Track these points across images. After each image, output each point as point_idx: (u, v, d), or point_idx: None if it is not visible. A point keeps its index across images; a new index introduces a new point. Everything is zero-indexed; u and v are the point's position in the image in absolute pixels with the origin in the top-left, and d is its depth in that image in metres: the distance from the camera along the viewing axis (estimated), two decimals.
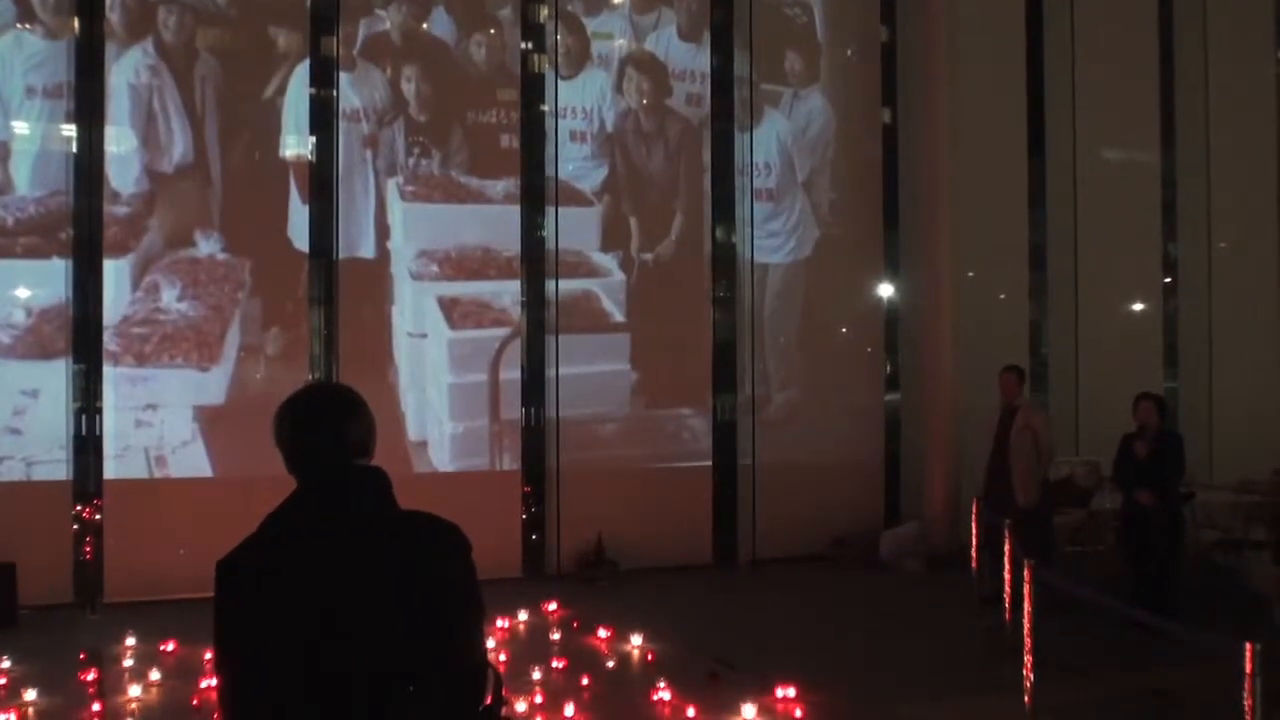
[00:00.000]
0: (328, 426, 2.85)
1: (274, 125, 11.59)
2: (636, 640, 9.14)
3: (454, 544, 2.82)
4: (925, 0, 13.41)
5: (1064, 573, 9.59)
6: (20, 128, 10.94)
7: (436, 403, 11.99)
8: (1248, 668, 5.26)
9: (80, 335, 10.95)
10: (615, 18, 12.83)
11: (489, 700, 2.81)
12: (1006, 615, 9.25)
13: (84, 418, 10.97)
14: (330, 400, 3.00)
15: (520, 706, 7.58)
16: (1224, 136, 14.75)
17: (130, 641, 8.96)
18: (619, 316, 12.56)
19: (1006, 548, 9.32)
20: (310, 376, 11.50)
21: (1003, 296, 13.95)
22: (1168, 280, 14.94)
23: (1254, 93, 15.12)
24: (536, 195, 12.33)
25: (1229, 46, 14.81)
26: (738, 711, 7.29)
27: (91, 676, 8.20)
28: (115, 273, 11.01)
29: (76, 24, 11.08)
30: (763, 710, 7.38)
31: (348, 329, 11.67)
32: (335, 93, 11.69)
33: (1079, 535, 11.37)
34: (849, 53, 13.76)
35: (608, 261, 12.55)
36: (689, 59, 12.97)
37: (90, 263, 10.97)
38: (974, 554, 10.88)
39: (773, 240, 13.23)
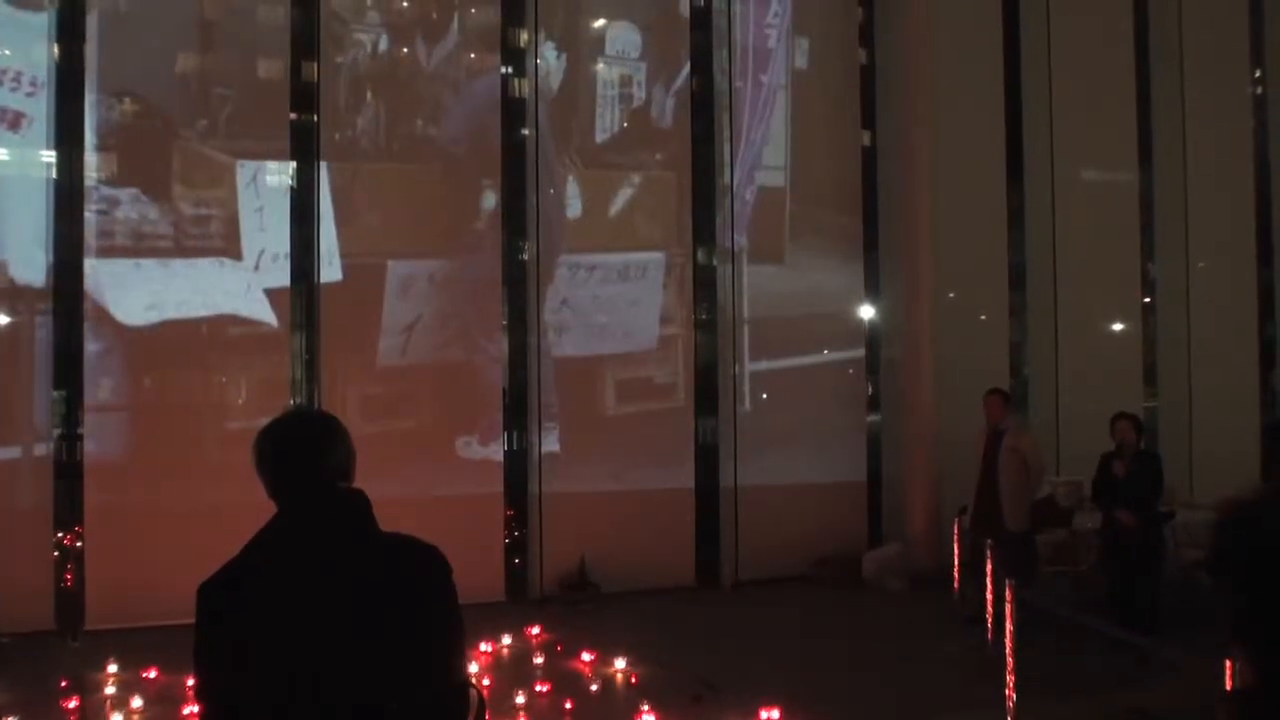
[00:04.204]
0: (307, 452, 2.87)
1: (256, 151, 11.59)
2: (620, 663, 9.13)
3: (434, 566, 2.83)
4: (904, 23, 13.50)
5: (1046, 592, 9.61)
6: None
7: (419, 426, 11.98)
8: (1228, 685, 5.29)
9: (61, 362, 10.94)
10: (595, 42, 12.87)
11: None
12: (989, 635, 9.29)
13: (65, 444, 10.96)
14: (309, 425, 3.02)
15: None
16: (1201, 157, 14.82)
17: (112, 669, 8.93)
18: (602, 339, 12.58)
19: (989, 567, 9.38)
20: (292, 401, 11.49)
21: (983, 317, 13.99)
22: (1146, 300, 15.00)
23: (1230, 113, 15.21)
24: (519, 219, 12.35)
25: (1205, 67, 14.89)
26: None
27: (73, 704, 8.16)
28: (97, 300, 10.99)
29: (56, 50, 11.09)
30: None
31: (330, 354, 11.67)
32: (316, 118, 11.71)
33: (1061, 554, 11.40)
34: (828, 76, 13.81)
35: (591, 285, 12.57)
36: (670, 82, 13.01)
37: (71, 290, 10.95)
38: (957, 573, 10.90)
39: (754, 263, 13.25)
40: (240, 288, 11.40)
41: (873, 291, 13.80)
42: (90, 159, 11.07)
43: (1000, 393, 10.89)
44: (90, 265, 10.99)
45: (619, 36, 12.89)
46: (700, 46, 13.17)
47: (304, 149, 11.70)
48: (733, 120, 13.17)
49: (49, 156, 11.04)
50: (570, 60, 12.74)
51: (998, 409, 10.65)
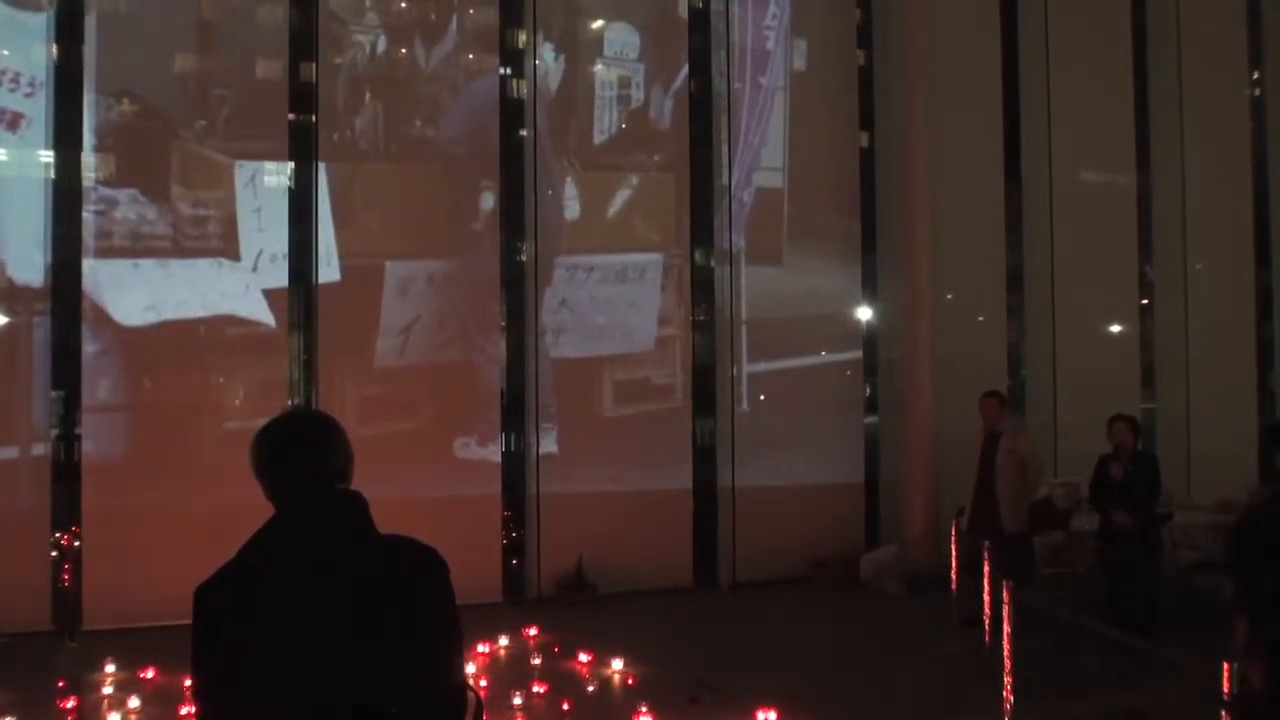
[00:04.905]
0: (305, 453, 2.86)
1: (254, 151, 11.59)
2: (617, 664, 9.13)
3: (432, 567, 2.84)
4: (902, 24, 13.50)
5: (1044, 594, 9.61)
6: None
7: (417, 427, 11.98)
8: (1225, 687, 5.29)
9: (59, 362, 10.94)
10: (594, 43, 12.88)
11: None
12: (986, 636, 9.29)
13: (63, 445, 10.96)
14: (307, 427, 3.02)
15: None
16: (1199, 158, 14.85)
17: (110, 669, 8.93)
18: (600, 340, 12.57)
19: (986, 569, 9.38)
20: (290, 402, 11.49)
21: (981, 319, 14.01)
22: (1144, 302, 15.02)
23: (1229, 115, 15.24)
24: (517, 220, 12.35)
25: (1204, 69, 14.92)
26: None
27: (71, 704, 8.15)
28: (95, 301, 10.99)
29: (54, 51, 11.09)
30: None
31: (327, 355, 11.67)
32: (315, 118, 11.71)
33: (1058, 556, 11.41)
34: (827, 77, 13.81)
35: (589, 286, 12.57)
36: (668, 84, 13.01)
37: (69, 291, 10.95)
38: (954, 575, 10.91)
39: (752, 264, 13.25)
40: (238, 288, 11.39)
41: (871, 293, 13.80)
42: (88, 159, 11.07)
43: (997, 394, 10.87)
44: (88, 266, 10.99)
45: (617, 38, 12.89)
46: (698, 48, 13.18)
47: (302, 150, 11.70)
48: (731, 122, 13.17)
49: (47, 157, 11.03)
50: (569, 61, 12.74)
51: (994, 411, 10.64)
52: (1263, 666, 2.06)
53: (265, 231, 11.50)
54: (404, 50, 12.18)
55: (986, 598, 9.51)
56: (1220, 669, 5.31)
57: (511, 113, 12.46)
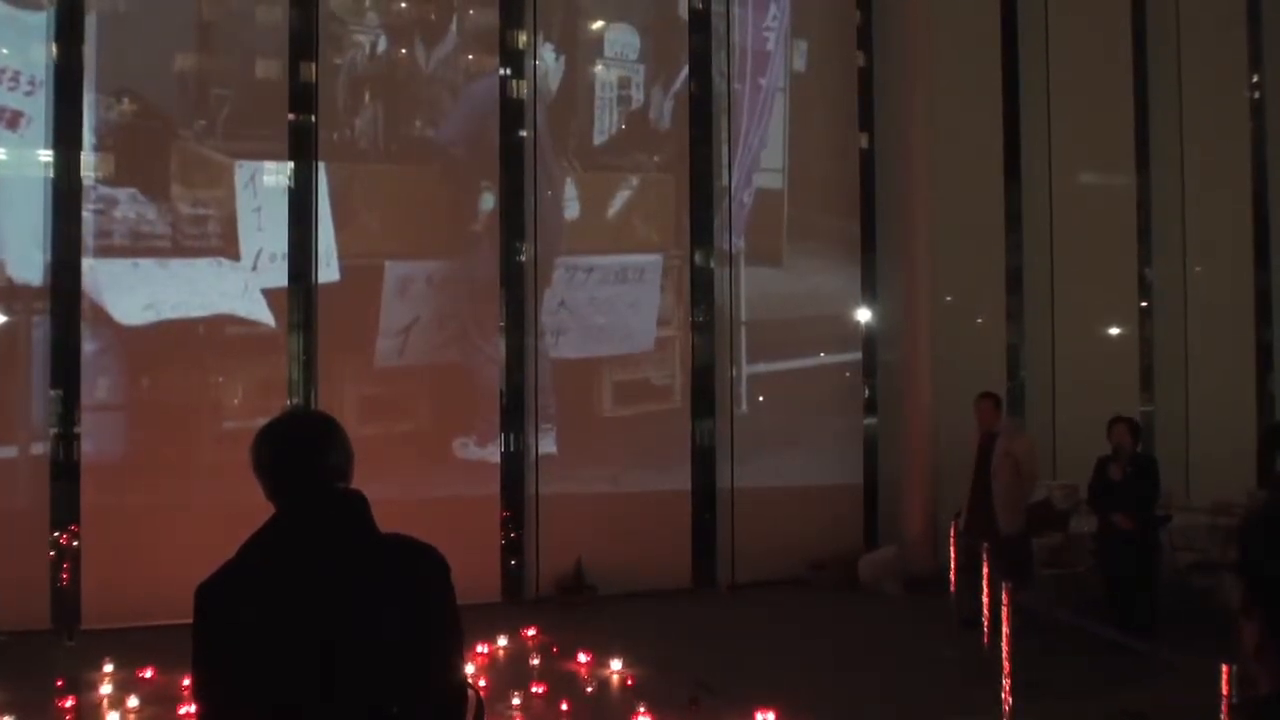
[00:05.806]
0: (305, 452, 2.87)
1: (254, 151, 11.58)
2: (616, 665, 9.12)
3: (433, 566, 2.84)
4: (902, 26, 13.49)
5: (1042, 595, 9.61)
6: None
7: (417, 428, 11.97)
8: (1224, 689, 5.29)
9: (59, 361, 10.94)
10: (594, 44, 12.87)
11: None
12: (985, 637, 9.29)
13: (62, 444, 10.96)
14: (308, 426, 3.02)
15: None
16: (1199, 159, 14.83)
17: (108, 668, 8.91)
18: (599, 341, 12.57)
19: (985, 570, 9.38)
20: (289, 402, 11.49)
21: (980, 320, 14.01)
22: (1144, 304, 15.01)
23: (1228, 117, 15.23)
24: (517, 220, 12.35)
25: (1204, 69, 14.91)
26: None
27: (69, 704, 8.15)
28: (95, 300, 10.99)
29: (54, 50, 11.08)
30: None
31: (327, 355, 11.67)
32: (315, 118, 11.70)
33: (1057, 557, 11.40)
34: (826, 78, 13.80)
35: (589, 287, 12.57)
36: (668, 84, 13.01)
37: (68, 290, 10.95)
38: (953, 577, 10.91)
39: (752, 265, 13.24)
40: (238, 288, 11.39)
41: (870, 294, 13.79)
42: (88, 159, 11.07)
43: (992, 396, 10.88)
44: (88, 265, 10.98)
45: (617, 39, 12.88)
46: (698, 49, 13.17)
47: (302, 149, 11.70)
48: (731, 122, 13.16)
49: (47, 156, 11.03)
50: (569, 62, 12.73)
51: (990, 413, 10.66)
52: (1275, 668, 2.05)
53: (265, 231, 11.50)
54: (404, 50, 12.17)
55: (985, 599, 9.51)
56: (1219, 670, 5.32)
57: (511, 113, 12.46)
